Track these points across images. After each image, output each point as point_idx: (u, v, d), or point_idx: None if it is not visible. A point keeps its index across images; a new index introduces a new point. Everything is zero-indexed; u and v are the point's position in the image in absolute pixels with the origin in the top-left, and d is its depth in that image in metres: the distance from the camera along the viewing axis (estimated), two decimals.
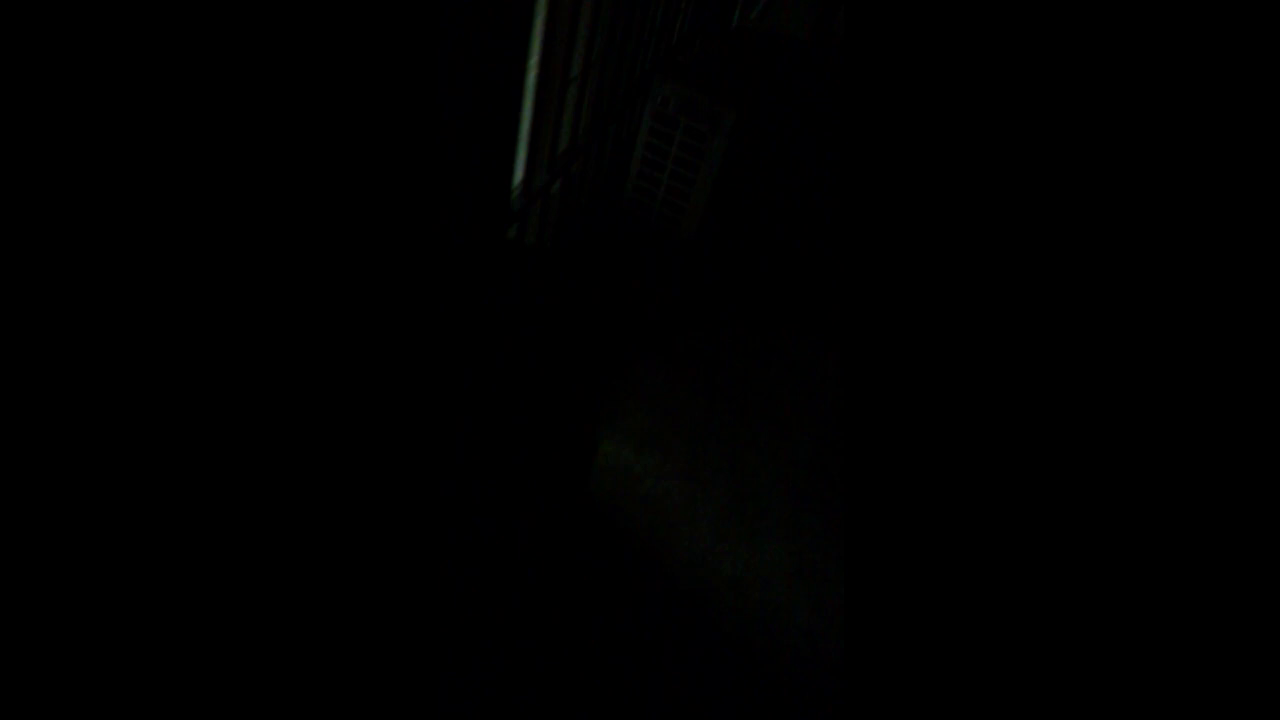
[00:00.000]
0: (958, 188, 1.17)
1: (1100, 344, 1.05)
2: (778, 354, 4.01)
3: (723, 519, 3.13)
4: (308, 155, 1.33)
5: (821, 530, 3.16)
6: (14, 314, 0.98)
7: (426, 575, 2.01)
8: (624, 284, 4.18)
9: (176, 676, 1.58)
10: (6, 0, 0.82)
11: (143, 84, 0.97)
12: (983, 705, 1.09)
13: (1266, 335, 0.95)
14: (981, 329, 1.15)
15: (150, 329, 1.17)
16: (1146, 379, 1.02)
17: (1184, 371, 1.00)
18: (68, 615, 1.33)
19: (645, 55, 3.98)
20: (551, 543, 2.80)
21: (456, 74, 1.73)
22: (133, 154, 1.01)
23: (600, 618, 2.63)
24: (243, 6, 1.06)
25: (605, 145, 4.04)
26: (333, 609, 1.79)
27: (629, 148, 4.41)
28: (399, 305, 1.91)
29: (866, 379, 1.29)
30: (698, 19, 5.04)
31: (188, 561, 1.52)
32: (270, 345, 1.42)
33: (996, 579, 1.11)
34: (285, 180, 1.29)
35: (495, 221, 2.45)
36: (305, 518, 1.73)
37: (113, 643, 1.45)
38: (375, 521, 1.91)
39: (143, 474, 1.32)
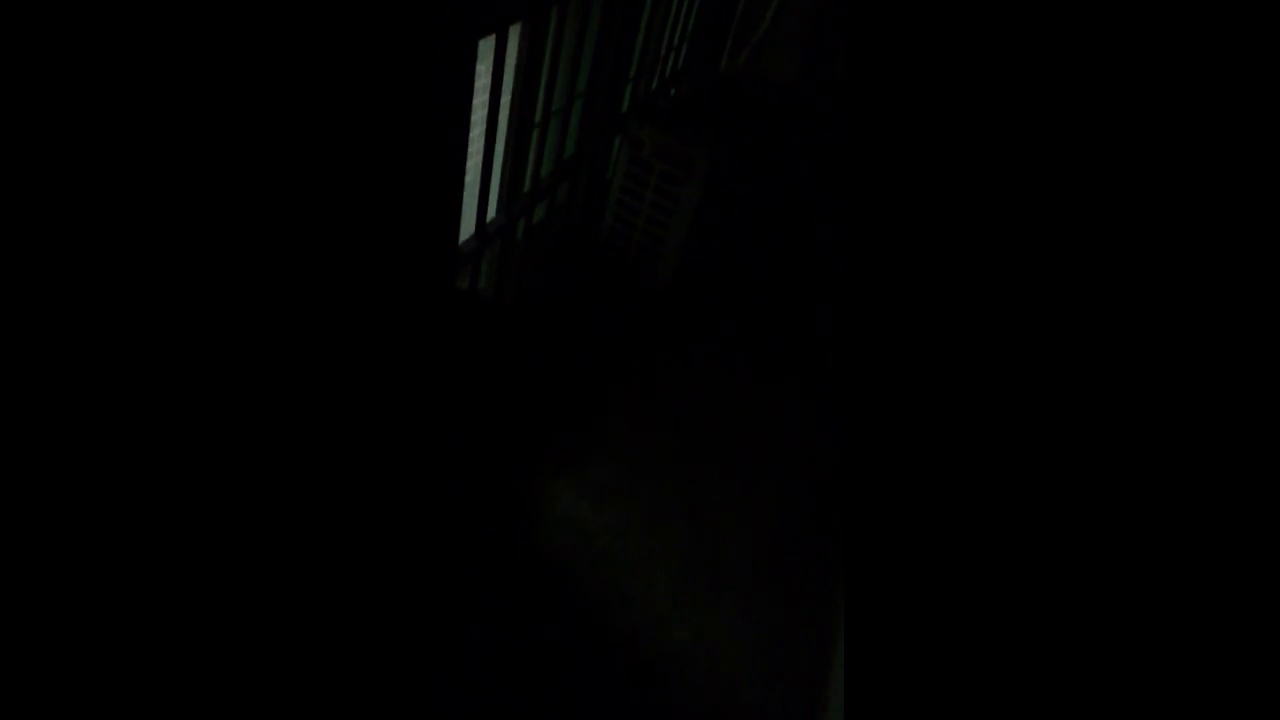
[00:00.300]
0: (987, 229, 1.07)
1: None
2: (750, 404, 3.87)
3: (681, 581, 2.96)
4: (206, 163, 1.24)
5: (782, 594, 2.98)
6: (10, 314, 0.92)
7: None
8: (594, 329, 4.07)
9: (175, 675, 1.52)
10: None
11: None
12: None
13: (1267, 338, 0.85)
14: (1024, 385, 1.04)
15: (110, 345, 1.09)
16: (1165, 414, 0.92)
17: (1187, 412, 0.89)
18: (64, 618, 1.26)
19: (622, 97, 3.94)
20: (482, 613, 2.65)
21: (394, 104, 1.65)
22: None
23: (539, 690, 2.46)
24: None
25: (578, 187, 3.97)
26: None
27: (605, 190, 4.35)
28: (293, 345, 1.80)
29: (873, 428, 1.18)
30: (686, 62, 5.03)
31: (189, 560, 1.45)
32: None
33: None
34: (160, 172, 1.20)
35: (434, 267, 2.36)
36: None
37: (110, 643, 1.38)
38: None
39: (138, 477, 1.26)
